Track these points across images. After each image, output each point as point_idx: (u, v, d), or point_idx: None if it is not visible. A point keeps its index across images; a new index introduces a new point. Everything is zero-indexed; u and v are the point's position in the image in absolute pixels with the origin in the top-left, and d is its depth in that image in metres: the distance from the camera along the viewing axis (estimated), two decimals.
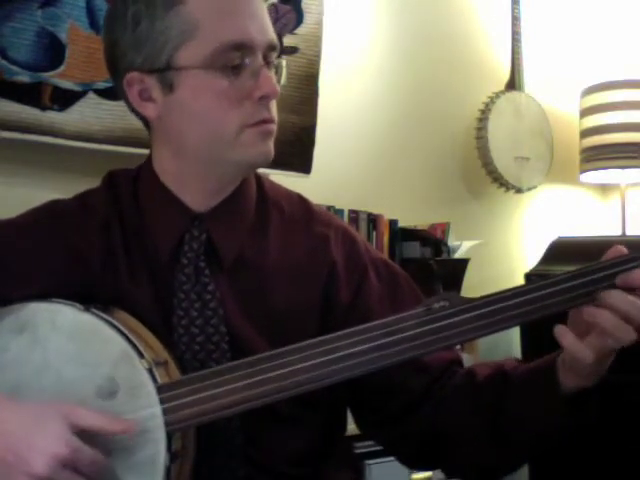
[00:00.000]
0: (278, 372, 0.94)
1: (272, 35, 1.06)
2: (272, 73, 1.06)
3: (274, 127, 1.07)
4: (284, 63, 1.10)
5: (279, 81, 1.08)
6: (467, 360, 1.15)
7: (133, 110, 1.11)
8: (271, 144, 1.07)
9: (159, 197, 1.10)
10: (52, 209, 1.13)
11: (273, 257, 1.10)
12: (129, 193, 1.12)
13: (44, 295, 1.04)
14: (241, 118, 1.03)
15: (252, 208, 1.13)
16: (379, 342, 0.93)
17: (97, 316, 1.00)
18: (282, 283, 1.09)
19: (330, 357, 0.94)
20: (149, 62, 1.04)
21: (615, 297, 0.88)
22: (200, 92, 1.03)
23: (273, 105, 1.07)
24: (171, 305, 1.06)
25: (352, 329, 0.95)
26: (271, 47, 1.06)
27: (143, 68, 1.04)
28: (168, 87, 1.04)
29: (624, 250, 0.91)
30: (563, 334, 0.90)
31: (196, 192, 1.09)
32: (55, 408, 0.92)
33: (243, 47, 1.02)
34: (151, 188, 1.11)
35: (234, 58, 1.02)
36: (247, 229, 1.11)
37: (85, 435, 0.91)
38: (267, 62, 1.05)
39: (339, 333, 0.95)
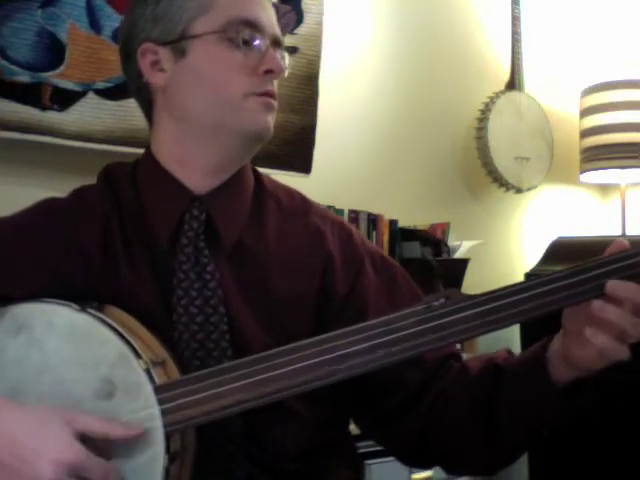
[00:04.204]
0: (279, 371, 0.93)
1: (278, 31, 1.13)
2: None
3: (275, 103, 1.11)
4: (287, 56, 1.15)
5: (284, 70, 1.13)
6: (466, 358, 1.15)
7: (138, 88, 1.13)
8: (271, 119, 1.10)
9: (158, 180, 1.11)
10: (49, 206, 1.14)
11: (270, 246, 1.11)
12: (127, 182, 1.13)
13: (44, 293, 1.04)
14: (247, 85, 1.07)
15: (249, 197, 1.14)
16: (380, 340, 0.93)
17: (93, 316, 1.00)
18: (279, 272, 1.10)
19: (330, 356, 0.93)
20: (164, 34, 1.09)
21: (622, 288, 0.87)
22: (211, 57, 1.08)
23: (275, 85, 1.11)
24: (171, 286, 1.06)
25: (352, 327, 0.95)
26: (276, 41, 1.11)
27: (158, 40, 1.09)
28: (180, 54, 1.09)
29: (626, 244, 0.91)
30: (595, 334, 0.88)
31: (196, 172, 1.10)
32: (58, 413, 0.92)
33: (254, 25, 1.08)
34: (150, 172, 1.13)
35: (245, 33, 1.07)
36: (245, 215, 1.12)
37: (85, 438, 0.91)
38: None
39: (339, 332, 0.95)
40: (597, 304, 0.88)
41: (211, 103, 1.08)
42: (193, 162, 1.10)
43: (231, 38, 1.07)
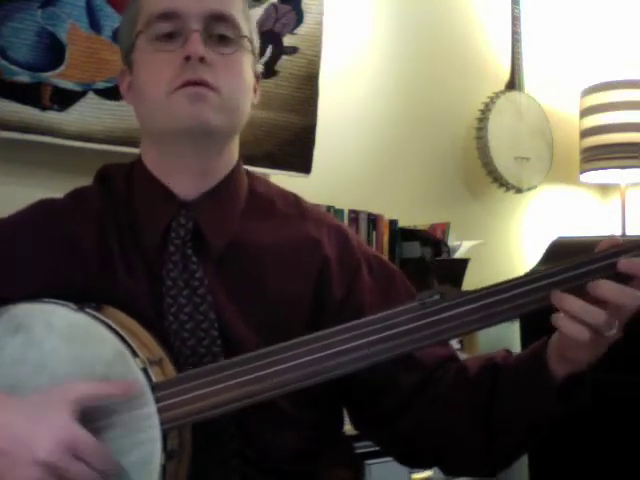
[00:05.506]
0: (274, 369, 0.93)
1: (213, 6, 1.06)
2: (208, 41, 1.05)
3: (204, 90, 1.04)
4: (241, 23, 1.09)
5: (233, 51, 1.07)
6: (465, 358, 1.15)
7: None
8: (204, 107, 1.04)
9: (148, 187, 1.11)
10: (47, 206, 1.14)
11: (265, 250, 1.10)
12: (123, 183, 1.14)
13: (43, 293, 1.04)
14: (167, 82, 1.04)
15: (241, 201, 1.13)
16: (373, 337, 0.93)
17: (91, 316, 1.00)
18: (274, 275, 1.09)
19: (324, 353, 0.93)
20: (124, 54, 1.13)
21: (604, 286, 0.87)
22: (141, 64, 1.09)
23: (211, 70, 1.04)
24: (161, 293, 1.06)
25: (346, 325, 0.94)
26: (213, 17, 1.06)
27: (124, 62, 1.13)
28: (131, 69, 1.11)
29: (619, 240, 0.90)
30: (558, 317, 0.89)
31: (181, 178, 1.10)
32: (54, 395, 0.93)
33: (171, 17, 1.05)
34: (142, 179, 1.12)
35: (164, 27, 1.06)
36: (236, 219, 1.11)
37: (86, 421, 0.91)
38: (210, 33, 1.06)
39: (333, 329, 0.95)
40: (555, 295, 0.88)
41: (148, 111, 1.08)
42: (175, 169, 1.10)
43: (152, 37, 1.06)
